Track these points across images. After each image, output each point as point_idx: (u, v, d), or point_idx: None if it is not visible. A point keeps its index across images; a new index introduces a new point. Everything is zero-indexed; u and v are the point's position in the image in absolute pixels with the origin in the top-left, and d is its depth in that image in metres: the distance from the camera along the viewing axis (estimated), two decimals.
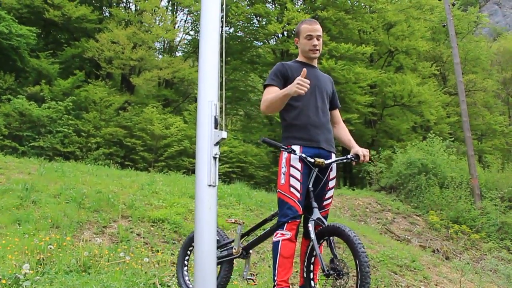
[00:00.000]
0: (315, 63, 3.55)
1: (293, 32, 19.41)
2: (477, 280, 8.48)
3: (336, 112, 3.70)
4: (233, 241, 3.71)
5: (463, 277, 8.07)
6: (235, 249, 3.62)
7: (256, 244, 3.66)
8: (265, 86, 3.41)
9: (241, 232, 3.67)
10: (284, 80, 3.35)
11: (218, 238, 3.83)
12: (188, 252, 3.89)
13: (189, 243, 3.84)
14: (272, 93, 3.29)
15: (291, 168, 3.20)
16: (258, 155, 18.40)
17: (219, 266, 3.77)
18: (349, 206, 12.73)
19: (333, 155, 3.38)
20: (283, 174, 3.22)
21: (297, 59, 3.56)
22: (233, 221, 3.90)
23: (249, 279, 3.71)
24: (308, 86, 3.01)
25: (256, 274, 6.03)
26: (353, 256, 2.79)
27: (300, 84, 2.97)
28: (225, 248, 3.74)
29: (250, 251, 3.71)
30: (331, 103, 3.59)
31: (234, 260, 3.74)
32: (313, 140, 3.29)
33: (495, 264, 9.91)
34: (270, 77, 3.40)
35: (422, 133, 23.68)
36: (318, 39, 3.39)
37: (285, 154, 3.25)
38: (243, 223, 3.75)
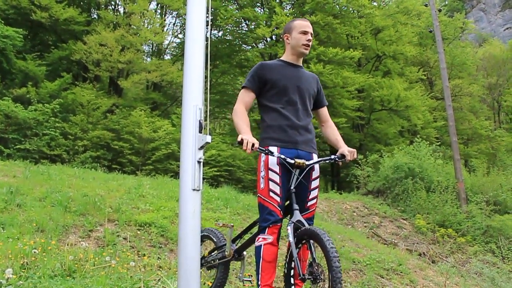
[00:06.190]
0: (300, 62, 3.48)
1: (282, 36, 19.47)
2: (462, 283, 8.56)
3: (323, 111, 3.65)
4: None
5: (448, 280, 8.14)
6: (227, 252, 3.61)
7: (247, 246, 3.62)
8: (242, 87, 3.38)
9: (231, 235, 3.66)
10: (262, 83, 3.32)
11: (215, 240, 3.85)
12: None
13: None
14: (247, 100, 3.32)
15: (270, 172, 3.17)
16: (246, 158, 18.37)
17: (215, 269, 3.78)
18: (337, 210, 12.78)
19: (315, 156, 3.33)
20: (262, 178, 3.20)
21: (282, 58, 3.46)
22: (221, 225, 3.89)
23: (246, 280, 3.66)
24: (250, 151, 2.98)
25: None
26: (326, 261, 2.69)
27: (245, 147, 2.96)
28: (221, 250, 3.72)
29: (244, 253, 3.69)
30: (316, 102, 3.55)
31: (231, 262, 3.73)
32: (290, 141, 3.24)
33: (480, 267, 10.02)
34: (247, 77, 3.36)
35: (409, 137, 23.89)
36: (311, 36, 3.38)
37: (263, 158, 3.21)
38: (232, 226, 3.73)
